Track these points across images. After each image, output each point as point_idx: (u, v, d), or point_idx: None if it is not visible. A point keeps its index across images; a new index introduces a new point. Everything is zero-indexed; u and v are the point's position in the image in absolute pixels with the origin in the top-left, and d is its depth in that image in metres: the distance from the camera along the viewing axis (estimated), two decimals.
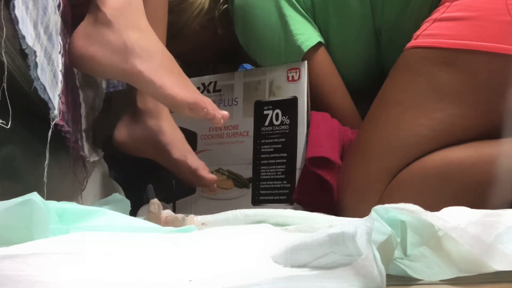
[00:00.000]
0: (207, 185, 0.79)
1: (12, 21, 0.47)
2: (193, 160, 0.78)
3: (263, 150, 0.82)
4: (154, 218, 0.61)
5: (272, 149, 0.82)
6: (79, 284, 0.28)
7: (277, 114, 0.82)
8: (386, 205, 0.31)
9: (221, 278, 0.31)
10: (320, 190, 0.74)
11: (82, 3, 0.66)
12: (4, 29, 0.46)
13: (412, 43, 0.69)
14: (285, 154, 0.80)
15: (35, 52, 0.49)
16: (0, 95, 0.45)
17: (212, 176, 0.78)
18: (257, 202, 0.82)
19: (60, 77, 0.57)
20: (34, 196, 0.40)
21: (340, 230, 0.28)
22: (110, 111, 0.96)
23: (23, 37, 0.48)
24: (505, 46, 0.62)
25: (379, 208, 0.31)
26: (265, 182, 0.81)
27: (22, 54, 0.49)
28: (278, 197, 0.80)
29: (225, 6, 0.90)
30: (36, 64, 0.50)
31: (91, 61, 0.63)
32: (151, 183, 0.89)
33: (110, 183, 0.83)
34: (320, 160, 0.73)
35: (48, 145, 0.52)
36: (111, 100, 0.97)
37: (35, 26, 0.51)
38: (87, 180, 0.72)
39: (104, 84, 0.89)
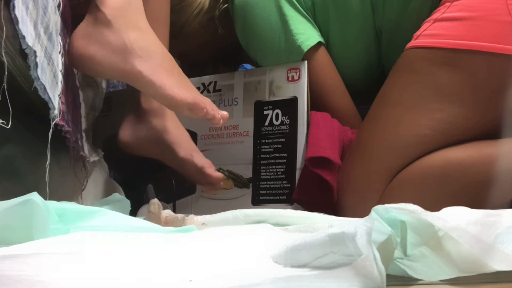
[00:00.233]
0: (213, 183, 0.79)
1: (12, 21, 0.47)
2: (199, 159, 0.78)
3: (263, 150, 0.83)
4: (154, 218, 0.61)
5: (272, 149, 0.82)
6: (79, 284, 0.28)
7: (277, 114, 0.82)
8: (386, 205, 0.31)
9: (221, 278, 0.31)
10: (320, 190, 0.74)
11: (82, 3, 0.66)
12: (4, 29, 0.46)
13: (412, 43, 0.69)
14: (285, 154, 0.80)
15: (35, 52, 0.49)
16: (0, 95, 0.45)
17: (219, 174, 0.78)
18: (257, 202, 0.82)
19: (60, 77, 0.57)
20: (34, 196, 0.40)
21: (340, 230, 0.28)
22: (110, 111, 0.96)
23: (23, 37, 0.48)
24: (505, 46, 0.62)
25: (379, 208, 0.31)
26: (265, 182, 0.81)
27: (22, 54, 0.49)
28: (278, 197, 0.80)
29: (225, 5, 0.90)
30: (36, 64, 0.50)
31: (90, 61, 0.63)
32: (151, 183, 0.89)
33: (110, 183, 0.83)
34: (320, 160, 0.73)
35: (49, 145, 0.52)
36: (111, 100, 0.97)
37: (35, 26, 0.51)
38: (87, 180, 0.72)
39: (104, 84, 0.89)
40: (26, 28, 0.48)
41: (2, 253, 0.34)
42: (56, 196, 0.52)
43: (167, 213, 0.64)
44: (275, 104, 0.83)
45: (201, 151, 0.82)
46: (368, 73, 0.91)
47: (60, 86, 0.57)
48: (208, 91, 0.90)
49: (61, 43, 0.59)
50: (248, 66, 0.99)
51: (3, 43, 0.45)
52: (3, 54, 0.46)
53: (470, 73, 0.65)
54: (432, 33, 0.68)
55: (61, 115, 0.56)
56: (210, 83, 0.90)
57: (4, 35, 0.46)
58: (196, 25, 0.91)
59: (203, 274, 0.32)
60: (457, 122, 0.66)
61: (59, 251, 0.36)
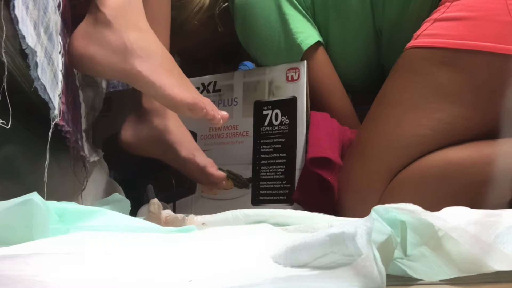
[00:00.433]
0: (216, 182, 0.79)
1: (12, 21, 0.47)
2: (201, 158, 0.78)
3: (262, 150, 0.82)
4: (154, 218, 0.61)
5: (271, 149, 0.82)
6: (79, 284, 0.28)
7: (276, 114, 0.82)
8: (386, 205, 0.31)
9: (221, 278, 0.31)
10: (320, 190, 0.74)
11: (82, 3, 0.66)
12: (4, 29, 0.46)
13: (412, 43, 0.69)
14: (284, 154, 0.80)
15: (35, 52, 0.49)
16: (0, 95, 0.45)
17: (221, 173, 0.78)
18: (257, 202, 0.82)
19: (60, 77, 0.57)
20: (34, 196, 0.40)
21: (340, 230, 0.28)
22: (110, 111, 0.96)
23: (23, 37, 0.48)
24: (505, 46, 0.62)
25: (379, 208, 0.31)
26: (264, 182, 0.81)
27: (22, 54, 0.49)
28: (278, 197, 0.80)
29: (226, 4, 0.90)
30: (36, 64, 0.50)
31: (90, 62, 0.63)
32: (151, 183, 0.89)
33: (110, 183, 0.83)
34: (321, 160, 0.73)
35: (48, 145, 0.52)
36: (111, 100, 0.97)
37: (35, 26, 0.51)
38: (87, 180, 0.72)
39: (104, 84, 0.89)
40: (26, 28, 0.48)
41: (2, 253, 0.34)
42: (56, 196, 0.52)
43: (167, 213, 0.64)
44: (274, 104, 0.83)
45: None
46: (368, 73, 0.91)
47: (60, 86, 0.57)
48: (208, 91, 0.90)
49: (61, 43, 0.59)
50: (249, 64, 0.99)
51: (3, 43, 0.45)
52: (3, 54, 0.46)
53: (470, 73, 0.65)
54: (432, 33, 0.68)
55: (61, 115, 0.56)
56: (210, 83, 0.90)
57: (4, 35, 0.46)
58: (196, 22, 0.91)
59: (203, 274, 0.32)
60: (457, 122, 0.66)
61: (59, 251, 0.36)
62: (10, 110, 0.45)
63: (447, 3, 0.69)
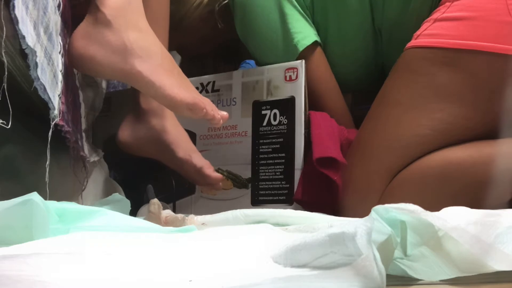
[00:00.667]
0: (212, 184, 0.79)
1: (12, 21, 0.47)
2: (198, 159, 0.78)
3: (261, 150, 0.82)
4: (154, 218, 0.61)
5: (270, 149, 0.82)
6: (79, 284, 0.28)
7: (275, 114, 0.82)
8: (386, 205, 0.31)
9: (221, 278, 0.31)
10: (324, 190, 0.74)
11: (82, 3, 0.66)
12: (4, 29, 0.46)
13: (412, 43, 0.70)
14: (283, 154, 0.80)
15: (35, 52, 0.49)
16: (0, 95, 0.45)
17: (218, 175, 0.78)
18: (256, 202, 0.82)
19: (60, 77, 0.57)
20: (34, 196, 0.40)
21: (340, 230, 0.28)
22: (110, 111, 0.96)
23: (23, 37, 0.48)
24: (505, 46, 0.62)
25: (379, 208, 0.31)
26: (264, 183, 0.81)
27: (22, 54, 0.49)
28: (277, 198, 0.80)
29: (226, 0, 0.90)
30: (36, 64, 0.50)
31: (90, 62, 0.63)
32: (151, 183, 0.89)
33: (110, 183, 0.83)
34: (326, 160, 0.73)
35: (48, 145, 0.52)
36: (111, 100, 0.97)
37: (35, 26, 0.51)
38: (87, 180, 0.72)
39: (104, 84, 0.89)
40: (26, 28, 0.48)
41: (2, 253, 0.34)
42: (56, 196, 0.52)
43: (167, 213, 0.64)
44: (272, 104, 0.83)
45: (200, 151, 0.82)
46: (367, 72, 0.91)
47: (60, 86, 0.57)
48: (207, 91, 0.90)
49: (61, 43, 0.59)
50: (251, 62, 0.99)
51: (3, 43, 0.45)
52: (3, 54, 0.46)
53: (471, 73, 0.65)
54: (432, 32, 0.68)
55: (61, 115, 0.56)
56: (209, 83, 0.90)
57: (4, 35, 0.46)
58: (196, 17, 0.91)
59: (203, 274, 0.32)
60: (457, 122, 0.66)
61: (59, 251, 0.36)
62: (10, 110, 0.45)
63: (447, 3, 0.69)
